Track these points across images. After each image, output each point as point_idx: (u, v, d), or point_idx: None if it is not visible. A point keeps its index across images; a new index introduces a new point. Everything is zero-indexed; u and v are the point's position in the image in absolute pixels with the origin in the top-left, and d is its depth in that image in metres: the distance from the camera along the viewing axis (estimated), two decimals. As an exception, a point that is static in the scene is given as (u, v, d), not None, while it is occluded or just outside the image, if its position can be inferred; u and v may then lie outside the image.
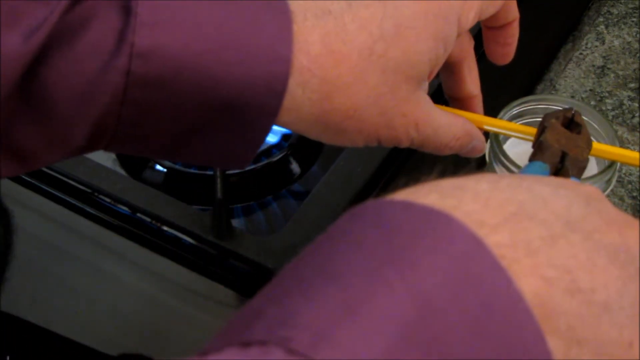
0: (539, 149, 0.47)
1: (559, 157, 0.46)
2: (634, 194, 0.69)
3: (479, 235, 0.29)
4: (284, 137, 0.71)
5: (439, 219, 0.29)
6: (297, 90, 0.41)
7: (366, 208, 0.30)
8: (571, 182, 0.35)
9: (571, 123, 0.48)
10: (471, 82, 0.50)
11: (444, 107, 0.49)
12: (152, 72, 0.39)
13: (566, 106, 0.56)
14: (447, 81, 0.50)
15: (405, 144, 0.46)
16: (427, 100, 0.46)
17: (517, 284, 0.28)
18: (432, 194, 0.30)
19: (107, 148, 0.42)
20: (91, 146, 0.42)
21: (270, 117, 0.42)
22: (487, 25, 0.49)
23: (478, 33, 0.49)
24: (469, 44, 0.49)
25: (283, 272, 0.29)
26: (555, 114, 0.48)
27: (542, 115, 0.54)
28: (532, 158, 0.47)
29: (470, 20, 0.45)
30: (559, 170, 0.46)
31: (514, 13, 0.48)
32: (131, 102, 0.40)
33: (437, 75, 0.50)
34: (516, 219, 0.30)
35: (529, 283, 0.28)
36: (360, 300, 0.26)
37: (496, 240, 0.29)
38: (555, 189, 0.33)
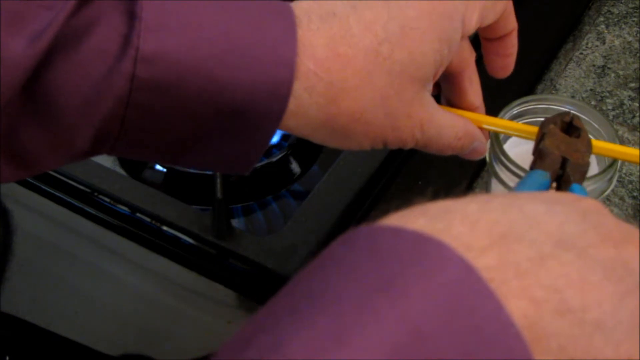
0: (538, 156, 0.46)
1: (560, 163, 0.45)
2: (635, 194, 0.69)
3: (467, 259, 0.28)
4: (284, 137, 0.71)
5: (428, 244, 0.29)
6: (303, 95, 0.41)
7: (358, 234, 0.30)
8: (570, 196, 0.34)
9: (570, 127, 0.48)
10: (472, 93, 0.49)
11: (446, 108, 0.49)
12: (156, 77, 0.39)
13: (567, 106, 0.55)
14: (448, 93, 0.50)
15: (410, 145, 0.46)
16: (431, 101, 0.46)
17: (507, 307, 0.28)
18: (421, 218, 0.30)
19: (111, 152, 0.42)
20: (95, 150, 0.42)
21: (275, 121, 0.41)
22: (486, 37, 0.49)
23: (475, 38, 0.49)
24: (469, 55, 0.48)
25: (275, 299, 0.29)
26: (553, 119, 0.47)
27: (542, 115, 0.54)
28: (533, 166, 0.46)
29: (473, 22, 0.45)
30: (560, 176, 0.45)
31: (512, 23, 0.48)
32: (135, 106, 0.40)
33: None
34: (504, 241, 0.30)
35: (517, 305, 0.28)
36: (350, 330, 0.26)
37: (484, 263, 0.29)
38: (550, 206, 0.32)
